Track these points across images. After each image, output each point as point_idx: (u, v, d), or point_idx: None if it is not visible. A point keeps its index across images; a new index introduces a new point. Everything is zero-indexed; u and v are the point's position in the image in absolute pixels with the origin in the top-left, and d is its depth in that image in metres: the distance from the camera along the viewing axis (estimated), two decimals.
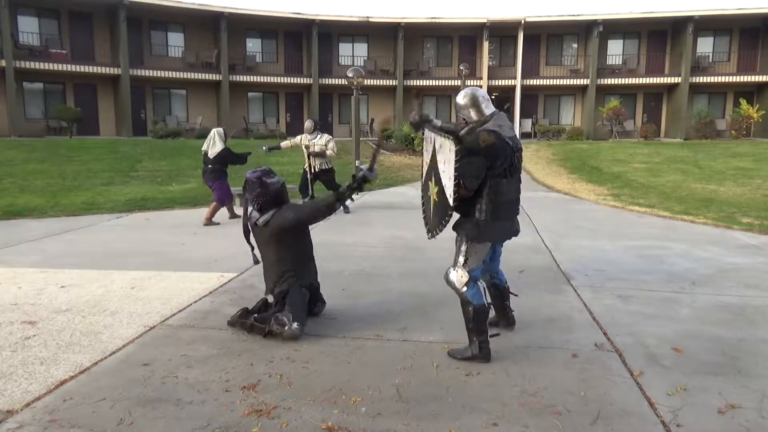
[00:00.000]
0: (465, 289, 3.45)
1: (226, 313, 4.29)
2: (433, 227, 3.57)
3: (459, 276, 3.48)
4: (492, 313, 3.84)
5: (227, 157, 8.62)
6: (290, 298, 3.90)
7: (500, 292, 3.91)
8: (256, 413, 2.82)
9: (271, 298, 4.06)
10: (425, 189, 3.76)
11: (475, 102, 3.50)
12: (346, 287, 5.07)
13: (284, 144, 9.89)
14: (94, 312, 4.37)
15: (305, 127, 9.53)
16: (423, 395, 3.02)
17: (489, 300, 3.67)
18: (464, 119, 3.54)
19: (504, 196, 3.44)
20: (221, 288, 5.03)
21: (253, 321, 3.87)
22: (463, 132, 3.47)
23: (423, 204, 3.81)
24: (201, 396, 3.00)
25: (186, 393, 3.03)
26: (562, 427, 2.72)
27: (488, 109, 3.50)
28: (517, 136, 3.59)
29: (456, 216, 3.51)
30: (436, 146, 3.48)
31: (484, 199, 3.40)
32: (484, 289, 3.64)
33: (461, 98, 3.54)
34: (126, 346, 3.69)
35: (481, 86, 28.20)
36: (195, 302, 4.62)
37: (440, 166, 3.41)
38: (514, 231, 3.65)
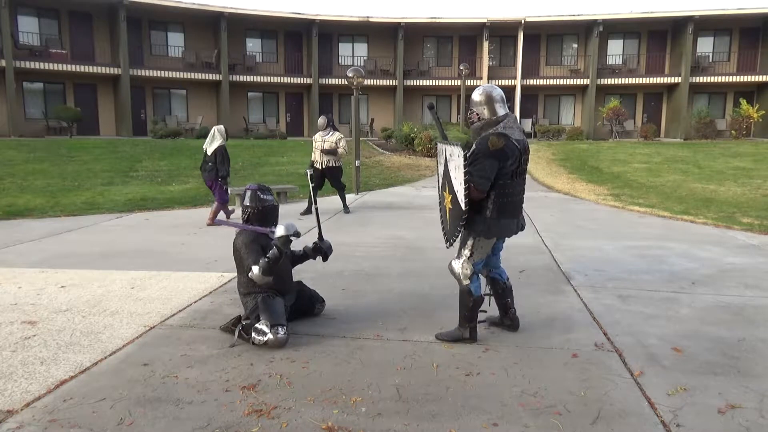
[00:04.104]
0: (469, 281, 3.65)
1: (226, 313, 4.30)
2: (451, 234, 3.65)
3: (464, 269, 3.66)
4: (488, 313, 3.93)
5: (220, 155, 8.34)
6: (262, 305, 3.77)
7: (500, 289, 3.94)
8: (256, 413, 2.82)
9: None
10: (441, 200, 3.86)
11: (489, 101, 3.59)
12: (346, 287, 5.07)
13: (313, 158, 9.47)
14: (94, 312, 4.37)
15: (318, 123, 9.53)
16: (423, 395, 3.02)
17: (487, 291, 3.81)
18: (477, 115, 3.62)
19: (510, 197, 3.58)
20: (221, 288, 5.03)
21: (240, 330, 3.77)
22: (474, 126, 3.63)
23: (441, 216, 3.90)
24: (201, 396, 3.00)
25: (186, 393, 3.03)
26: (562, 427, 2.72)
27: (502, 109, 3.59)
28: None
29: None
30: (447, 156, 3.59)
31: (491, 199, 3.52)
32: (484, 282, 3.78)
33: (477, 95, 3.62)
34: (126, 346, 3.69)
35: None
36: (195, 302, 4.62)
37: (452, 173, 3.53)
38: (520, 227, 3.78)
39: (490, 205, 3.52)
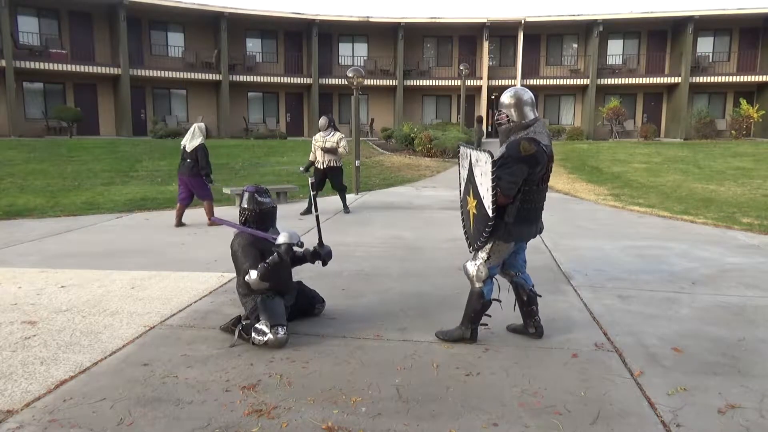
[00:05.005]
0: (482, 284, 3.64)
1: (226, 313, 4.30)
2: (474, 239, 3.63)
3: (480, 272, 3.63)
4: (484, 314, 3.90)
5: (201, 152, 8.21)
6: (261, 305, 3.76)
7: (526, 295, 3.83)
8: (256, 413, 2.82)
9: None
10: (464, 204, 3.82)
11: (519, 104, 3.53)
12: (346, 287, 5.07)
13: (311, 158, 9.55)
14: (94, 312, 4.37)
15: (319, 123, 9.50)
16: (423, 395, 3.02)
17: (496, 296, 3.79)
18: (506, 116, 3.57)
19: (533, 203, 3.55)
20: (221, 288, 5.03)
21: (240, 330, 3.75)
22: (502, 128, 3.58)
23: (463, 220, 3.88)
24: (201, 396, 3.00)
25: (186, 393, 3.03)
26: (562, 427, 2.72)
27: (531, 113, 3.54)
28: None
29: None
30: (473, 160, 3.56)
31: (514, 205, 3.48)
32: (497, 287, 3.77)
33: (507, 97, 3.57)
34: (126, 346, 3.68)
35: (481, 86, 28.28)
36: (195, 302, 4.62)
37: (477, 179, 3.50)
38: (539, 230, 3.75)
39: (512, 211, 3.48)
